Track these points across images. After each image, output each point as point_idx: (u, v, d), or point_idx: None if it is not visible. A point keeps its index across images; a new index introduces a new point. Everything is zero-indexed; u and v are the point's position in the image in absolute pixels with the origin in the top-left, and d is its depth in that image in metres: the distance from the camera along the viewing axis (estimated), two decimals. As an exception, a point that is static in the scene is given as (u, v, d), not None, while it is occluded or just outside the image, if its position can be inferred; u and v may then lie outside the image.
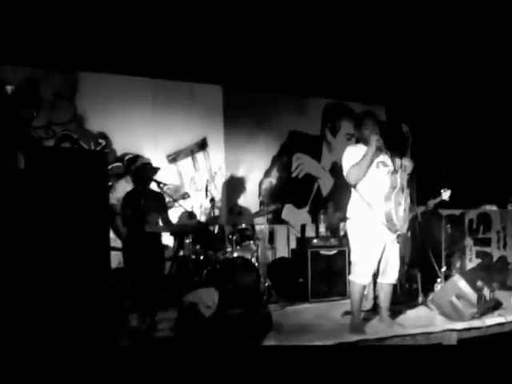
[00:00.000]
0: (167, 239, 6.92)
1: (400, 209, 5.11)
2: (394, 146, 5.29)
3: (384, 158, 5.24)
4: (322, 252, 6.98)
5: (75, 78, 7.23)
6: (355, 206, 5.27)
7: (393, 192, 5.08)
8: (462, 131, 7.84)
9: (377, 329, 5.33)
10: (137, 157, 7.29)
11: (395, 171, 5.17)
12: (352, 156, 5.16)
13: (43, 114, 7.05)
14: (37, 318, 3.96)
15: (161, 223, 6.33)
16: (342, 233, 7.23)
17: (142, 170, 6.36)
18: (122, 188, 6.71)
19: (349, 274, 5.63)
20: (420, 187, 5.67)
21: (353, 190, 5.30)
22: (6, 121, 6.17)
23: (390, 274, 5.37)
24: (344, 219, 5.71)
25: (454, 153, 7.76)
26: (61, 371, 3.60)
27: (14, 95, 6.60)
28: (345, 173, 5.18)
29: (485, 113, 7.75)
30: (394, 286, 5.60)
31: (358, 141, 5.44)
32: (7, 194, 4.03)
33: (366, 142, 5.17)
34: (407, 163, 5.24)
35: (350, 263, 5.60)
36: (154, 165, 6.43)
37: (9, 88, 6.50)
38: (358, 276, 5.23)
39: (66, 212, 4.14)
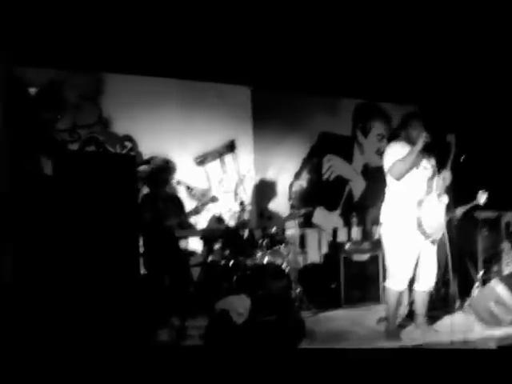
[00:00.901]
0: (196, 244, 6.83)
1: (432, 215, 5.02)
2: (433, 151, 5.20)
3: (425, 162, 5.13)
4: (355, 257, 6.89)
5: (100, 80, 7.11)
6: (389, 210, 5.17)
7: (426, 197, 5.03)
8: (498, 129, 7.67)
9: (413, 335, 5.27)
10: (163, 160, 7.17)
11: (432, 177, 5.11)
12: (397, 151, 5.06)
13: (67, 116, 6.92)
14: (67, 323, 3.94)
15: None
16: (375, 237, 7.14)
17: (160, 172, 6.24)
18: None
19: (383, 279, 5.53)
20: (456, 189, 5.55)
21: (387, 192, 5.22)
22: (29, 124, 6.11)
23: (427, 281, 5.30)
24: (377, 223, 5.60)
25: (491, 153, 7.59)
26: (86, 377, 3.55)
27: (37, 97, 6.53)
28: (387, 167, 5.07)
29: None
30: (431, 292, 5.49)
31: (390, 140, 5.39)
32: (36, 200, 3.99)
33: (411, 142, 5.05)
34: (447, 175, 5.12)
35: (384, 268, 5.53)
36: (174, 166, 6.34)
37: (32, 90, 6.43)
38: (394, 282, 5.16)
39: (97, 216, 4.09)
